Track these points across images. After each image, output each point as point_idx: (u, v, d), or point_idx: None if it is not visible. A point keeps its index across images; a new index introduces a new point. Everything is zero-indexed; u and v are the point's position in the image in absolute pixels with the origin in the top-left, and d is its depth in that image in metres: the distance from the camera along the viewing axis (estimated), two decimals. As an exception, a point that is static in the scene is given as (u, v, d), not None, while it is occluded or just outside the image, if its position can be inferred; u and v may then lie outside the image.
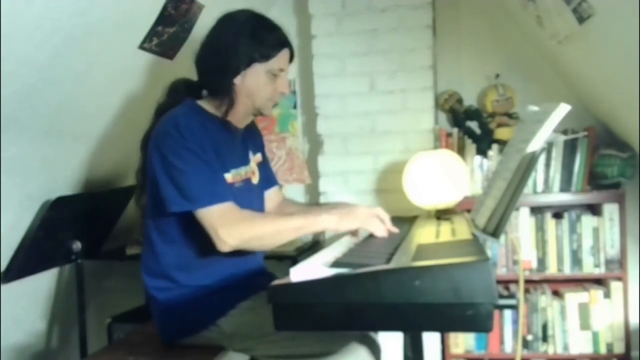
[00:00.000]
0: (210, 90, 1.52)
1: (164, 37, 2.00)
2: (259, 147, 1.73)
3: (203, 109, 1.51)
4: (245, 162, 1.60)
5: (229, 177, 1.48)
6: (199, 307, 1.47)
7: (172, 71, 2.12)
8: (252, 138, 1.68)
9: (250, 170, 1.61)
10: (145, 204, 1.54)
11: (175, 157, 1.36)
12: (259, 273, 1.60)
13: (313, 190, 2.63)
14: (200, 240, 1.38)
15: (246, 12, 1.51)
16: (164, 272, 1.49)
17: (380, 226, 1.39)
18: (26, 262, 2.02)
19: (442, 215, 1.86)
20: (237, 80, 1.47)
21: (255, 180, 1.63)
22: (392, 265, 1.00)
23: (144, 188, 1.53)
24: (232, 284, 1.50)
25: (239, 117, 1.55)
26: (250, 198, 1.57)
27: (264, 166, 1.73)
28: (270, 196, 1.75)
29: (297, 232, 1.39)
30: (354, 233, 1.46)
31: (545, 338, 2.28)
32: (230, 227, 1.33)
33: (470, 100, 2.55)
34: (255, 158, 1.67)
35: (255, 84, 1.48)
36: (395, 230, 1.42)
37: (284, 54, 1.50)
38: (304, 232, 1.41)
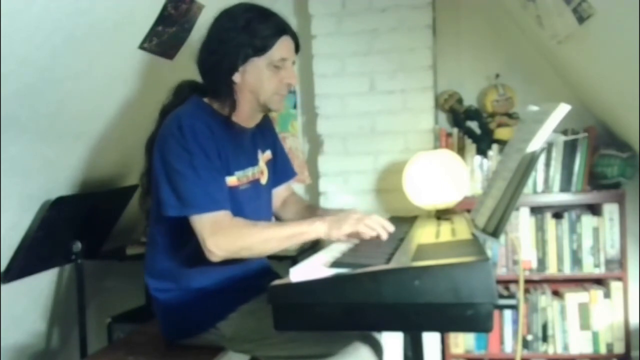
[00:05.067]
0: (212, 92, 1.47)
1: (164, 37, 1.99)
2: (270, 144, 1.66)
3: (210, 107, 1.46)
4: (253, 162, 1.55)
5: (233, 179, 1.45)
6: (199, 309, 1.47)
7: (172, 71, 2.12)
8: (262, 136, 1.62)
9: (259, 171, 1.57)
10: (149, 208, 1.53)
11: (175, 159, 1.34)
12: (263, 274, 1.58)
13: (313, 190, 2.63)
14: None
15: (241, 6, 1.45)
16: (167, 274, 1.49)
17: (371, 231, 1.31)
18: (26, 262, 2.02)
19: (442, 215, 1.86)
20: (237, 78, 1.42)
21: (263, 180, 1.59)
22: (392, 265, 1.00)
23: (149, 191, 1.51)
24: (234, 287, 1.49)
25: (246, 116, 1.49)
26: (257, 200, 1.54)
27: (275, 163, 1.67)
28: (278, 193, 1.71)
29: (289, 240, 1.34)
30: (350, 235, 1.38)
31: (545, 338, 2.28)
32: (219, 238, 1.30)
33: (470, 100, 2.55)
34: (264, 157, 1.62)
35: (257, 79, 1.42)
36: (383, 234, 1.32)
37: (284, 42, 1.43)
38: (295, 240, 1.35)
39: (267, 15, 1.43)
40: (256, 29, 1.39)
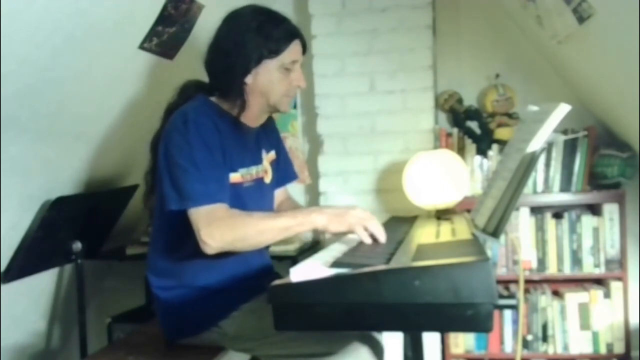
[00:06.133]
0: (222, 92, 1.48)
1: (164, 37, 2.00)
2: (274, 145, 1.67)
3: (215, 105, 1.47)
4: (257, 161, 1.56)
5: (237, 176, 1.45)
6: (201, 308, 1.47)
7: (172, 71, 2.13)
8: (266, 136, 1.63)
9: (263, 170, 1.58)
10: (153, 206, 1.53)
11: (177, 153, 1.34)
12: (264, 273, 1.58)
13: (313, 190, 2.63)
14: None
15: (250, 8, 1.46)
16: (169, 271, 1.49)
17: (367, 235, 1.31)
18: (26, 262, 2.02)
19: (442, 215, 1.86)
20: (249, 80, 1.43)
21: (267, 179, 1.60)
22: (392, 265, 1.00)
23: (153, 189, 1.51)
24: (236, 285, 1.49)
25: (254, 116, 1.51)
26: (260, 198, 1.55)
27: (278, 164, 1.68)
28: (276, 194, 1.71)
29: (285, 232, 1.32)
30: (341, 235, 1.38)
31: (545, 338, 2.28)
32: (213, 229, 1.29)
33: (470, 100, 2.55)
34: (268, 157, 1.63)
35: (268, 81, 1.44)
36: (381, 239, 1.31)
37: (295, 45, 1.45)
38: (292, 231, 1.33)
39: (279, 19, 1.45)
40: (270, 31, 1.41)
